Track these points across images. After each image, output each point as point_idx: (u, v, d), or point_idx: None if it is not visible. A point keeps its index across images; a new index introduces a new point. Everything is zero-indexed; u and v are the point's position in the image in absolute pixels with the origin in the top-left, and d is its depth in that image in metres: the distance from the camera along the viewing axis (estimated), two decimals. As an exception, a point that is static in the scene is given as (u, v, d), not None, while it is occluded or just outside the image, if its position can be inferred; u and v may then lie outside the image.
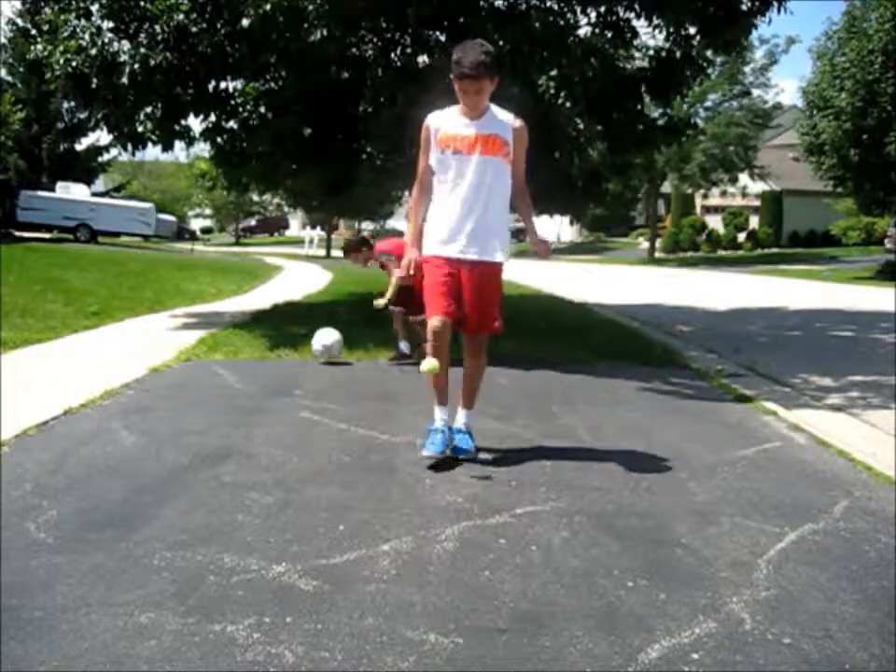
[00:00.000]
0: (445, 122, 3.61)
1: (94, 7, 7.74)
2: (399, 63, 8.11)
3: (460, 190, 3.57)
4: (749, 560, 2.66)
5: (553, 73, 7.81)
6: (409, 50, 8.21)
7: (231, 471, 3.45)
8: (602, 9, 7.98)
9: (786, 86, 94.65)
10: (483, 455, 3.71)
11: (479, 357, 3.80)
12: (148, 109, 8.00)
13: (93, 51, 7.31)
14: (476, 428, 3.87)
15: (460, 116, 3.60)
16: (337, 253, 37.01)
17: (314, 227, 39.55)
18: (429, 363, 3.49)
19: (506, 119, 3.61)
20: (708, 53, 8.97)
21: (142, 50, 7.29)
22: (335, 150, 8.77)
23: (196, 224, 56.14)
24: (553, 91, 7.49)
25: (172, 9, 7.22)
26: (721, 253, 36.95)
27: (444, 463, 3.58)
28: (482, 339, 3.78)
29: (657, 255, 35.36)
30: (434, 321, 3.54)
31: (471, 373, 3.81)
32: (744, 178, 34.03)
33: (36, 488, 3.17)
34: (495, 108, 3.63)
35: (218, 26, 7.46)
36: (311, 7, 6.61)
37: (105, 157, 31.24)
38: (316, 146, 8.73)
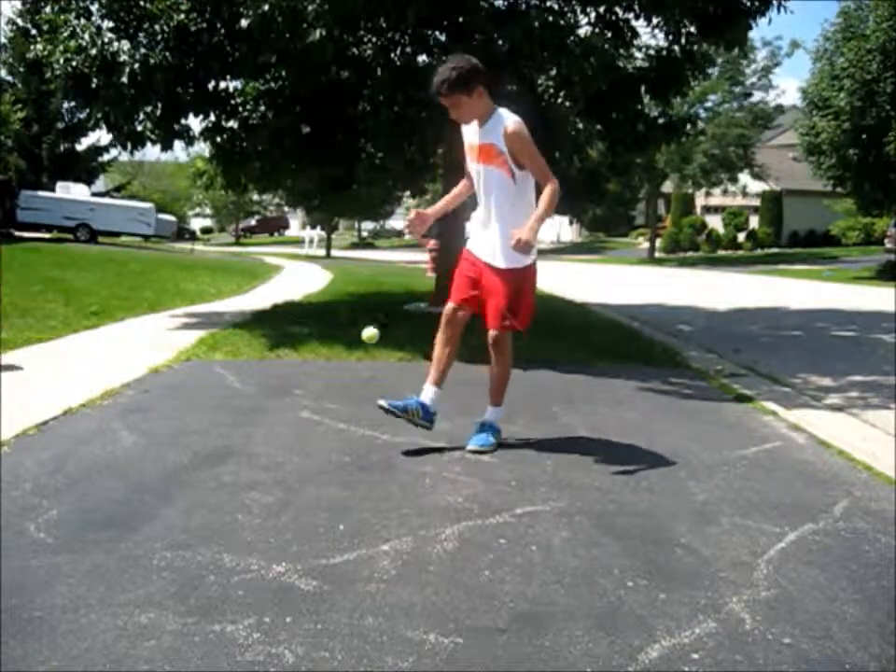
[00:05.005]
0: (467, 131, 3.76)
1: (94, 7, 7.75)
2: (398, 63, 8.11)
3: (477, 196, 3.82)
4: (749, 560, 2.66)
5: (553, 73, 7.81)
6: (409, 50, 8.21)
7: (230, 471, 3.45)
8: (602, 9, 7.98)
9: (787, 86, 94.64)
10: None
11: (497, 354, 3.87)
12: (148, 109, 8.00)
13: (93, 51, 7.30)
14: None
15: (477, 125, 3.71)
16: (337, 253, 37.03)
17: (314, 227, 39.50)
18: (369, 331, 4.13)
19: (501, 126, 3.56)
20: (711, 49, 8.96)
21: (142, 50, 7.29)
22: (335, 150, 8.77)
23: (196, 224, 56.17)
24: (552, 91, 7.48)
25: (172, 9, 7.23)
26: (721, 253, 36.92)
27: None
28: (496, 336, 3.80)
29: (657, 255, 35.32)
30: (448, 305, 3.84)
31: (492, 370, 3.93)
32: (744, 178, 34.00)
33: (36, 488, 3.17)
34: (500, 114, 3.61)
35: (218, 26, 7.47)
36: (310, 8, 6.61)
37: (106, 157, 31.23)
38: (316, 145, 8.73)
